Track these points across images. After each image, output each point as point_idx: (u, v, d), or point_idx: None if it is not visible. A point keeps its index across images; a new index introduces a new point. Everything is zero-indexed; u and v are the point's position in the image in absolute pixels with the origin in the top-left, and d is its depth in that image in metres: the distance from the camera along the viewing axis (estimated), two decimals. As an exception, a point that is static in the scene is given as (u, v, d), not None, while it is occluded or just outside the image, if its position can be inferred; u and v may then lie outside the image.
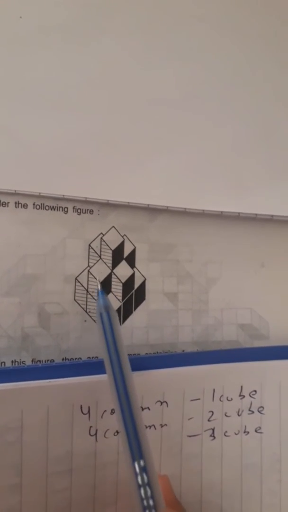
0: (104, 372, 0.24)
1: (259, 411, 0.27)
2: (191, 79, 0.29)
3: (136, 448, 0.18)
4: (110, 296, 0.27)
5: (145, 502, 0.16)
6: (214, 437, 0.26)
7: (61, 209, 0.26)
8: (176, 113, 0.29)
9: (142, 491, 0.17)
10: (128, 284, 0.27)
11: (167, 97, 0.28)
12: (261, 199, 0.30)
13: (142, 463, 0.17)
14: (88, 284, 0.26)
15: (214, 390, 0.26)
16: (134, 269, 0.28)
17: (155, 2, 0.28)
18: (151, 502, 0.16)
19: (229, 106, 0.30)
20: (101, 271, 0.27)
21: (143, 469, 0.17)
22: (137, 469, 0.17)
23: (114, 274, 0.27)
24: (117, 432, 0.24)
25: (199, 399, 0.26)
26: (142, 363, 0.24)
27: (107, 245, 0.27)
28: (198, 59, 0.29)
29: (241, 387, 0.27)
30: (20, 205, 0.25)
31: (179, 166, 0.28)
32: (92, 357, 0.26)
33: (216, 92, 0.30)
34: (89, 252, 0.27)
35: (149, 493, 0.17)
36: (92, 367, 0.24)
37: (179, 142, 0.28)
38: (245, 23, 0.31)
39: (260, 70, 0.31)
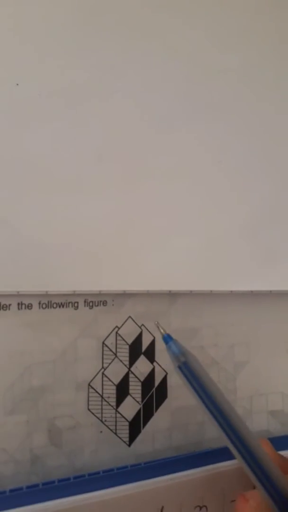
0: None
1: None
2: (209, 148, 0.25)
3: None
4: (128, 399, 0.24)
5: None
6: None
7: (70, 304, 0.23)
8: (194, 186, 0.25)
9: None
10: (148, 382, 0.24)
11: (184, 172, 0.25)
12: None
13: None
14: (102, 389, 0.23)
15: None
16: (154, 363, 0.25)
17: (159, 52, 0.25)
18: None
19: (254, 172, 0.26)
20: (117, 371, 0.24)
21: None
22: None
23: (132, 372, 0.24)
24: None
25: None
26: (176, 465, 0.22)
27: (123, 339, 0.24)
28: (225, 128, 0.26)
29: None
30: (23, 306, 0.22)
31: (200, 244, 0.25)
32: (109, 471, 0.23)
33: (238, 161, 0.26)
34: (103, 351, 0.23)
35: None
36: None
37: (200, 218, 0.25)
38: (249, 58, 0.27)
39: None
